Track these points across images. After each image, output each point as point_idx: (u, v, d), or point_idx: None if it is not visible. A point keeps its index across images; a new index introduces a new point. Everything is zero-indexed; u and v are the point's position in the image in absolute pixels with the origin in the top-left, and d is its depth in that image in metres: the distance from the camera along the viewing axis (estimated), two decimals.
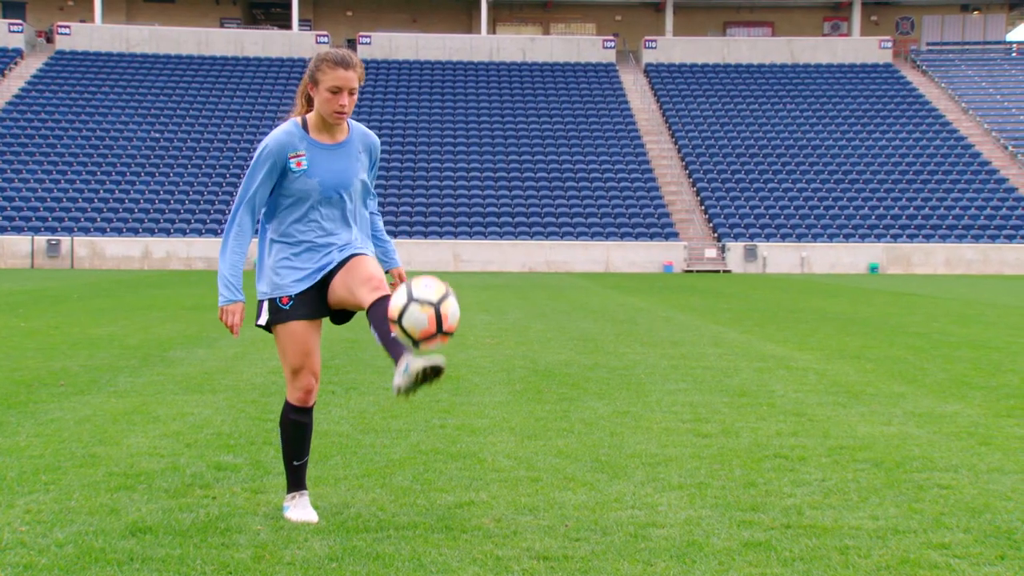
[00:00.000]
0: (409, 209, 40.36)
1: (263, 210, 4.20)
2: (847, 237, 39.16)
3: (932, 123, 47.16)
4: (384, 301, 3.95)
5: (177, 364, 9.00)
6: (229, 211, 40.65)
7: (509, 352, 10.21)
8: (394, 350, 3.88)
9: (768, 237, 39.06)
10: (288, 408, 4.24)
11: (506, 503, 4.47)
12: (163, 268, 36.43)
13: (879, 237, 39.17)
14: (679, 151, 45.68)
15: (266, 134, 35.98)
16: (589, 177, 42.93)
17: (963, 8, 58.92)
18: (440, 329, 3.80)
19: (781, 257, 38.26)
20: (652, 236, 39.05)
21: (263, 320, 4.16)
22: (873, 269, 37.99)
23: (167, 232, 37.76)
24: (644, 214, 40.49)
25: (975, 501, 4.50)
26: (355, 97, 4.08)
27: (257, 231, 4.23)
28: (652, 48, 52.82)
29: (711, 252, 38.52)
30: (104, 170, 41.49)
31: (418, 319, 3.78)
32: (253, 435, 5.87)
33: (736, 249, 38.34)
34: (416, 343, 3.82)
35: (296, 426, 4.22)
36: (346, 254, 4.15)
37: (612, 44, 53.65)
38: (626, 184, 42.51)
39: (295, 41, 52.54)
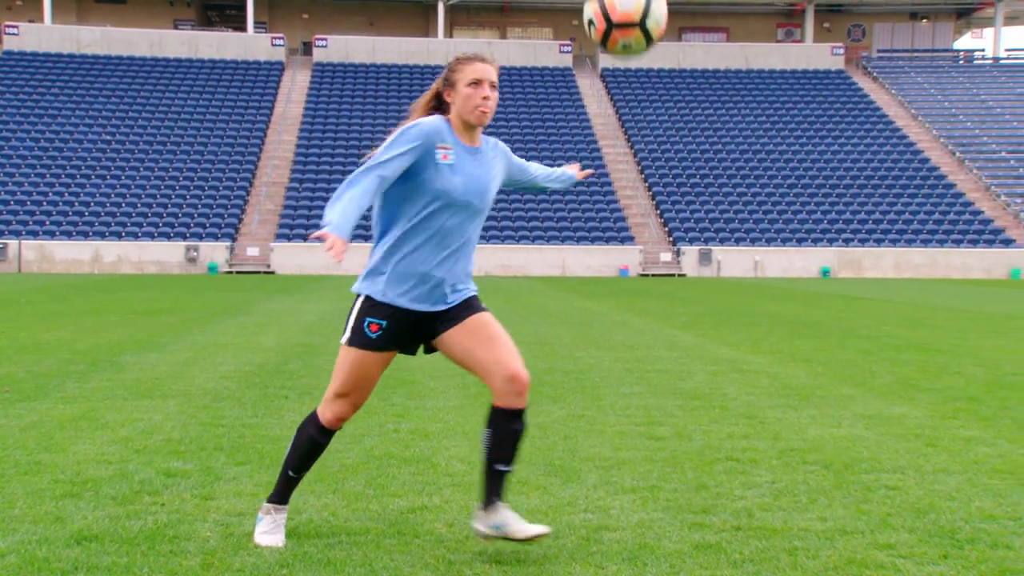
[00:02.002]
0: (366, 213, 40.10)
1: (382, 205, 3.88)
2: (800, 241, 39.60)
3: (883, 129, 47.85)
4: (517, 423, 3.82)
5: (127, 369, 8.88)
6: (182, 214, 40.16)
7: None
8: (495, 487, 3.85)
9: (722, 241, 39.39)
10: (313, 421, 3.99)
11: (459, 507, 4.46)
12: (114, 272, 35.94)
13: (831, 241, 39.64)
14: (635, 155, 45.95)
15: (220, 137, 35.54)
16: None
17: (912, 16, 59.91)
18: (609, 22, 3.74)
19: (735, 261, 38.60)
20: (608, 240, 39.22)
21: (345, 337, 3.88)
22: (825, 273, 38.44)
23: (118, 236, 37.26)
24: (600, 218, 40.66)
25: (920, 502, 4.57)
26: (496, 94, 3.84)
27: (371, 216, 3.96)
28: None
29: (666, 256, 38.77)
30: (54, 172, 40.86)
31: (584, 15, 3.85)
32: (204, 441, 5.81)
33: (691, 253, 38.62)
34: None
35: (312, 443, 3.98)
36: (461, 298, 3.88)
37: (569, 48, 53.85)
38: (582, 188, 42.66)
39: (250, 43, 52.14)
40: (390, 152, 3.72)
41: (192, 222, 38.49)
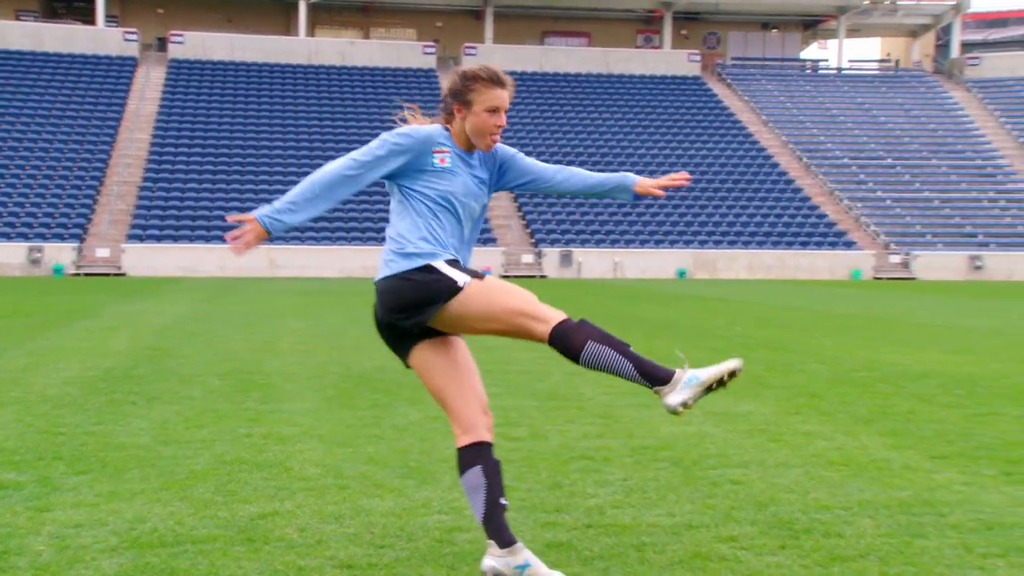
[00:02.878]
0: (222, 213, 39.20)
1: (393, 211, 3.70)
2: (657, 243, 40.58)
3: (736, 134, 49.48)
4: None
5: None
6: (24, 213, 38.24)
7: (323, 358, 10.06)
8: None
9: (583, 243, 40.02)
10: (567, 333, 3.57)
11: (312, 512, 4.40)
12: None
13: (687, 243, 40.76)
14: None
15: (68, 134, 34.05)
16: None
17: (764, 26, 62.21)
18: None
19: (595, 262, 39.27)
20: None
21: (467, 279, 3.55)
22: (681, 274, 39.50)
23: None
24: None
25: (762, 495, 4.74)
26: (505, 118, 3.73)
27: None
28: (472, 55, 53.22)
29: (528, 258, 39.15)
30: None
31: None
32: (42, 450, 5.56)
33: (552, 255, 39.10)
34: None
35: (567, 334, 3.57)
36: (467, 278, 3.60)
37: (433, 50, 53.79)
38: None
39: (101, 37, 50.20)
40: (374, 153, 3.62)
41: (36, 222, 36.79)
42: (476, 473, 3.57)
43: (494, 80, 3.69)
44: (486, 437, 3.63)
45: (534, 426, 6.47)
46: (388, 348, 3.80)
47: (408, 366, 3.79)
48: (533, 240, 40.44)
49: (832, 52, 63.33)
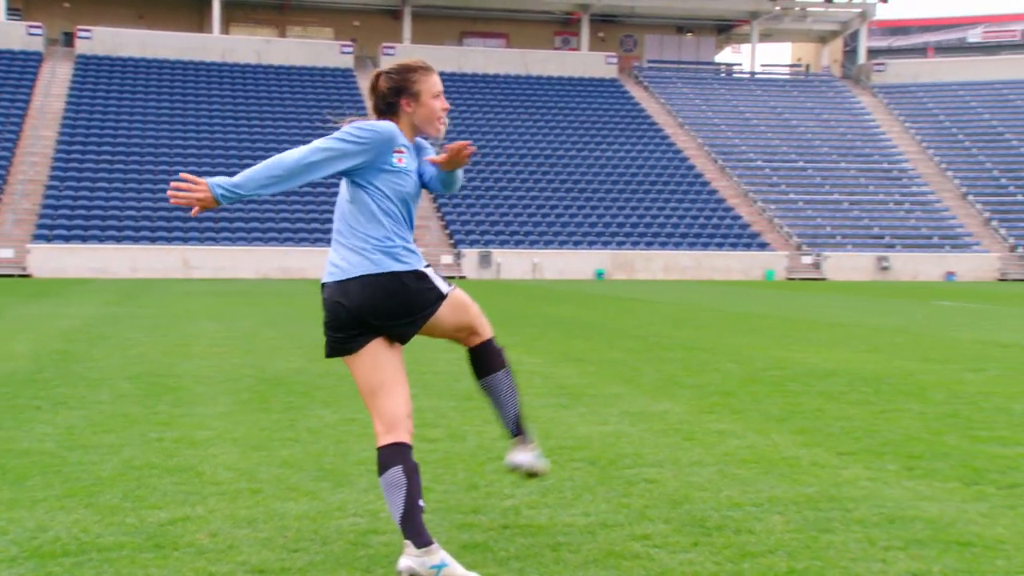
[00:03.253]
0: (135, 213, 38.35)
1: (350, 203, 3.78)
2: (576, 244, 40.86)
3: (653, 136, 50.10)
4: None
5: None
6: None
7: (237, 361, 9.91)
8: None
9: (502, 244, 40.11)
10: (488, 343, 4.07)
11: (224, 517, 4.33)
12: None
13: (605, 244, 41.13)
14: None
15: None
16: (326, 182, 42.44)
17: (679, 30, 63.12)
18: None
19: (514, 263, 39.39)
20: None
21: (450, 287, 3.89)
22: (599, 275, 39.84)
23: None
24: None
25: (676, 493, 4.80)
26: None
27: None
28: (390, 55, 52.92)
29: (447, 258, 39.09)
30: None
31: None
32: None
33: (471, 256, 39.11)
34: None
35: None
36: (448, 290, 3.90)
37: (350, 49, 53.37)
38: None
39: (3, 31, 48.66)
40: (342, 146, 3.69)
41: None
42: (396, 472, 3.59)
43: (428, 68, 3.88)
44: (407, 439, 3.68)
45: (451, 427, 6.46)
46: (335, 337, 3.79)
47: (331, 357, 3.85)
48: (452, 241, 40.39)
49: (745, 56, 64.62)
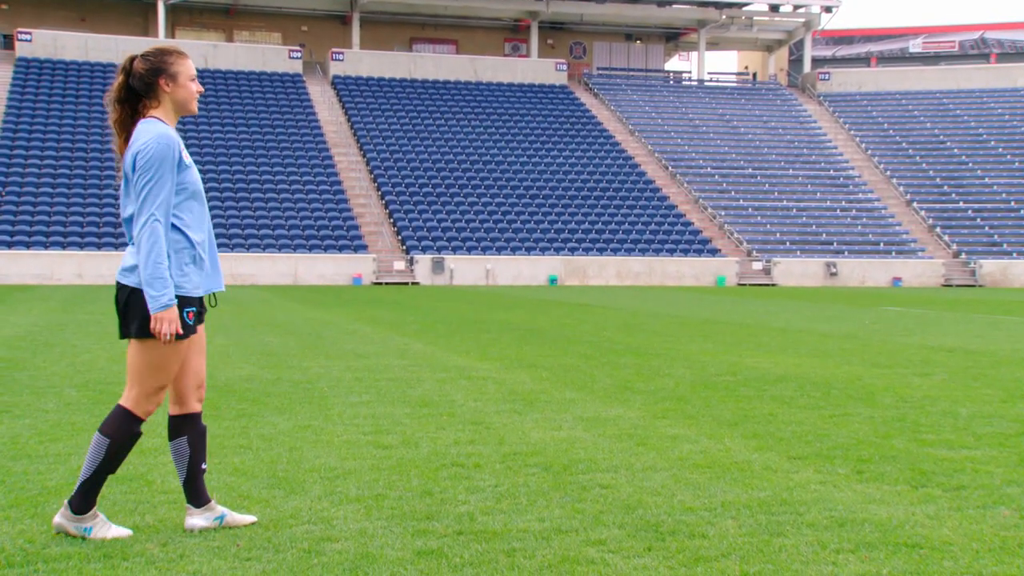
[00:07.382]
0: (80, 219, 37.74)
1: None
2: (529, 250, 40.94)
3: (603, 143, 50.38)
4: (203, 423, 4.30)
5: None
6: None
7: None
8: (203, 486, 4.27)
9: (455, 250, 40.06)
10: (132, 420, 4.08)
11: (174, 526, 4.27)
12: None
13: (558, 250, 41.25)
14: (367, 163, 45.88)
15: None
16: (276, 188, 42.14)
17: (627, 38, 63.61)
18: None
19: (467, 269, 39.36)
20: (341, 248, 38.91)
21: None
22: (552, 281, 39.95)
23: None
24: (333, 226, 40.28)
25: (630, 498, 4.82)
26: None
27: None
28: (340, 60, 52.74)
29: (400, 264, 38.97)
30: None
31: None
32: None
33: (424, 262, 39.02)
34: None
35: (133, 439, 4.12)
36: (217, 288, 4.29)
37: (299, 54, 53.05)
38: (314, 196, 42.12)
39: None
40: (164, 187, 3.92)
41: None
42: (183, 442, 4.20)
43: (183, 53, 4.12)
44: (196, 408, 4.24)
45: (405, 433, 6.43)
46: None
47: (137, 337, 4.03)
48: (404, 247, 40.27)
49: (693, 64, 65.21)
